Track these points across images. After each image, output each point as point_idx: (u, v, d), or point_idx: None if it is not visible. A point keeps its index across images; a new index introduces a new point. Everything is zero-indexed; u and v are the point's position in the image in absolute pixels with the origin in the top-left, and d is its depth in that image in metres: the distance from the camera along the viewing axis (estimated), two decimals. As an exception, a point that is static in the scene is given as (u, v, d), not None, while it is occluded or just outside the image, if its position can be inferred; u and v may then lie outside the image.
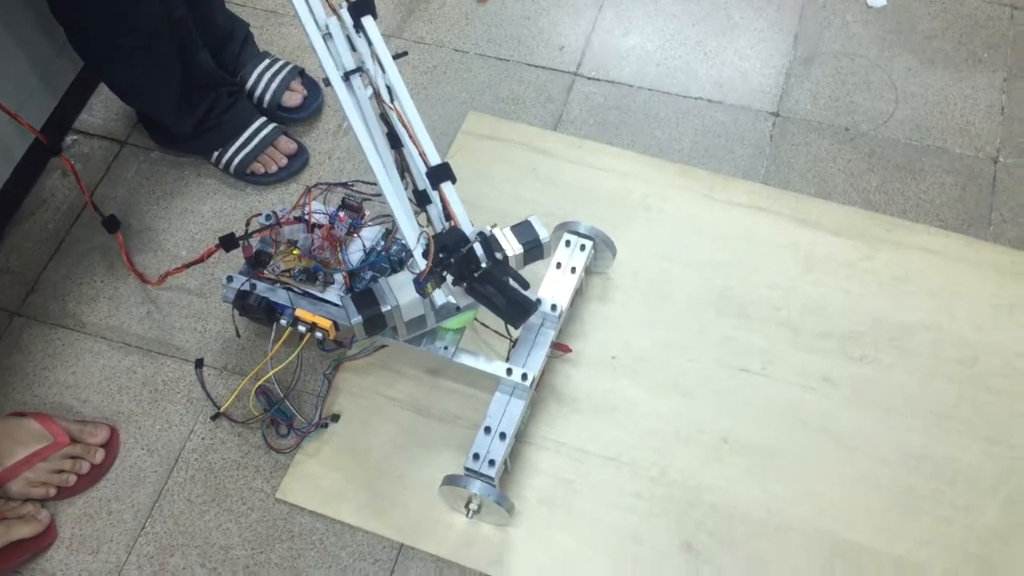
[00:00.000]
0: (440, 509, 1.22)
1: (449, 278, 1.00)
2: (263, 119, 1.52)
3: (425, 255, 0.98)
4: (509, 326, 1.17)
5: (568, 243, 1.30)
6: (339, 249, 1.21)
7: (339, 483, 1.25)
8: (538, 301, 1.15)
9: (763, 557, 1.17)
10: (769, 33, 1.63)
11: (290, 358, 1.25)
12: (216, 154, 1.51)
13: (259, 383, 1.26)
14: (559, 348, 1.28)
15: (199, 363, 1.31)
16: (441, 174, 1.01)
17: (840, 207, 1.44)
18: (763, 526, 1.19)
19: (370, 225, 1.24)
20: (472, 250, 0.99)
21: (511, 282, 0.99)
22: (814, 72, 1.59)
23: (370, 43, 1.05)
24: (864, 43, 1.61)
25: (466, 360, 1.17)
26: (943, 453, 1.23)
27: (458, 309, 1.09)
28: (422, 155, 1.02)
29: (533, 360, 1.19)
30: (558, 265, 1.28)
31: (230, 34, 1.54)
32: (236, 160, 1.50)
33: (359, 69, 1.05)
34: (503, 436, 1.15)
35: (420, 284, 1.00)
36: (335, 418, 1.28)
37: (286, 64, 1.58)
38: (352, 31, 1.06)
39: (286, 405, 1.26)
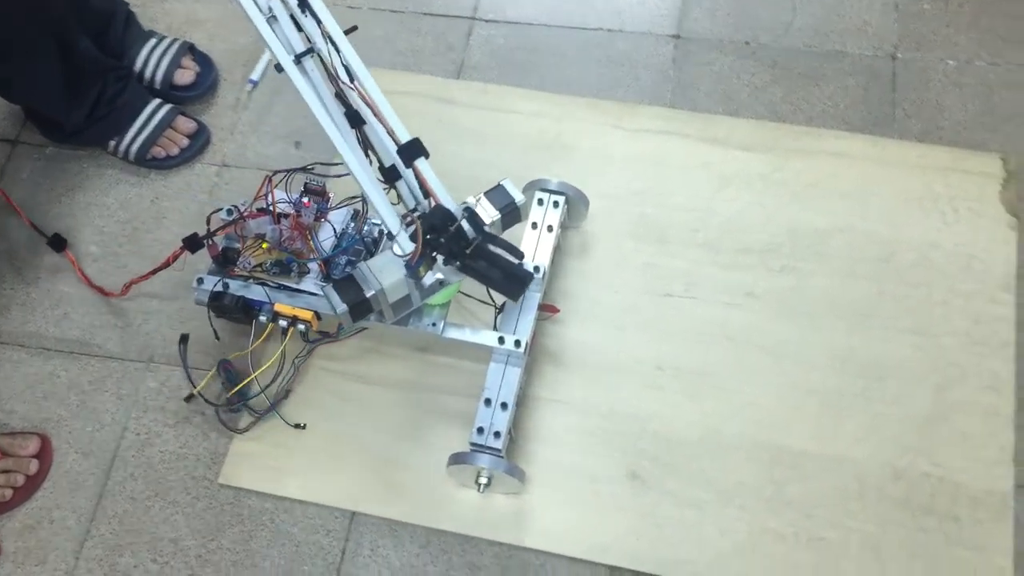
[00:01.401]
0: (433, 482, 1.22)
1: (440, 258, 0.99)
2: (157, 101, 1.47)
3: (413, 237, 0.96)
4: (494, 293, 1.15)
5: (541, 201, 1.27)
6: (310, 237, 1.18)
7: (282, 460, 1.24)
8: (536, 270, 1.14)
9: (706, 475, 1.19)
10: (661, -46, 1.62)
11: (275, 355, 1.19)
12: (113, 143, 1.46)
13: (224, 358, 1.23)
14: (546, 309, 1.26)
15: (184, 338, 1.25)
16: (413, 150, 1.00)
17: (748, 122, 1.45)
18: (704, 445, 1.21)
19: (337, 208, 1.21)
20: (460, 227, 0.97)
21: (502, 253, 0.99)
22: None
23: (319, 22, 1.01)
24: (756, -46, 1.60)
25: (456, 334, 1.15)
26: (870, 351, 1.26)
27: (442, 284, 1.07)
28: (390, 133, 1.00)
29: (523, 325, 1.17)
30: (534, 225, 1.25)
31: (110, 17, 1.48)
32: (135, 146, 1.45)
33: (310, 50, 1.01)
34: (504, 406, 1.13)
35: (412, 268, 0.99)
36: (301, 426, 1.25)
37: (174, 41, 1.53)
38: (297, 11, 1.01)
39: (247, 386, 1.22)
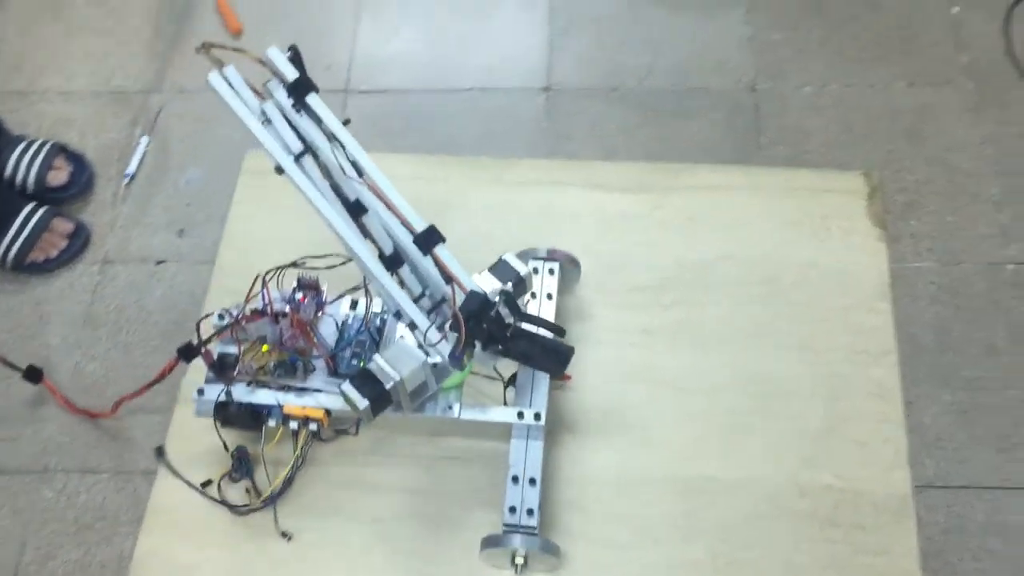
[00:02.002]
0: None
1: (478, 344, 0.98)
2: (32, 205, 1.45)
3: (454, 328, 0.95)
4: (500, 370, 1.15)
5: (536, 270, 1.28)
6: (312, 333, 1.15)
7: (189, 554, 1.21)
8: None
9: (624, 514, 1.20)
10: (525, 12, 1.67)
11: (295, 456, 1.17)
12: (-12, 252, 1.43)
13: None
14: (559, 378, 1.25)
15: (159, 451, 1.23)
16: (431, 238, 0.99)
17: (624, 164, 1.49)
18: (617, 485, 1.22)
19: (336, 300, 1.20)
20: (499, 311, 0.97)
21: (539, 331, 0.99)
22: (573, 41, 1.63)
23: (320, 121, 1.00)
24: (614, 3, 1.66)
25: (474, 415, 1.14)
26: (763, 370, 1.30)
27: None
28: (405, 224, 0.99)
29: (538, 398, 1.16)
30: (533, 295, 1.24)
31: (-25, 124, 1.46)
32: (11, 253, 1.42)
33: (307, 150, 1.00)
34: (532, 482, 1.12)
35: (457, 358, 0.98)
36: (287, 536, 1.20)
37: (45, 143, 1.51)
38: (290, 111, 1.00)
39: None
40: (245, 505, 1.20)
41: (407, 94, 1.60)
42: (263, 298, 1.16)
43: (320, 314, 1.18)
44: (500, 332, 0.98)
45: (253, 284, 1.17)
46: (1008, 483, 1.20)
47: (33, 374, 1.30)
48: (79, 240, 1.46)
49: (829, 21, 1.61)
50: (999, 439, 1.23)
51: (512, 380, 1.19)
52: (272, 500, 1.19)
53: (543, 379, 1.17)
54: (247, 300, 1.16)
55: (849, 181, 1.44)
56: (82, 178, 1.51)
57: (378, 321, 1.18)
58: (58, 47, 1.69)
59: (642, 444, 1.25)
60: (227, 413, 1.14)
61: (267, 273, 1.18)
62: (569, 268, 1.31)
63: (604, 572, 1.17)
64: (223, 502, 1.20)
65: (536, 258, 1.29)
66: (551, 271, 1.28)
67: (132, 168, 1.54)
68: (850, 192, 1.43)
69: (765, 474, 1.22)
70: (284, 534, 1.19)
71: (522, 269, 1.07)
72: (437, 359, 1.01)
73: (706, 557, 1.17)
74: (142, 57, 1.67)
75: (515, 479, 1.13)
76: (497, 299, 1.00)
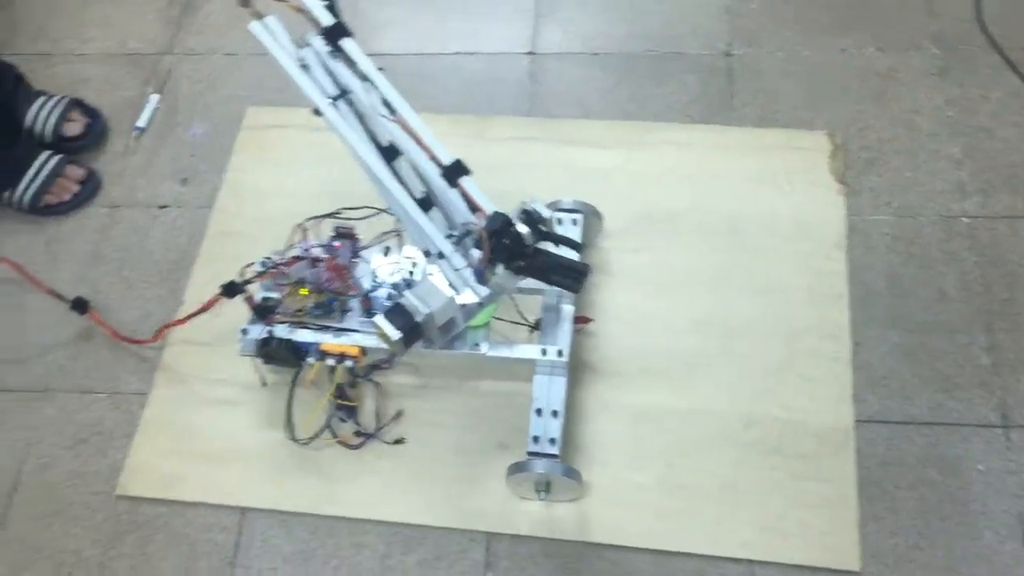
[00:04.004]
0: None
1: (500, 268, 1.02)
2: (47, 152, 1.56)
3: (477, 245, 1.00)
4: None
5: (560, 221, 1.34)
6: (348, 276, 1.23)
7: (172, 466, 1.30)
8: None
9: (571, 438, 1.27)
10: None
11: (330, 391, 1.25)
12: (7, 195, 1.54)
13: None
14: (580, 321, 1.30)
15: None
16: (457, 171, 1.02)
17: (600, 122, 1.57)
18: (569, 412, 1.29)
19: (370, 246, 1.27)
20: (519, 231, 1.00)
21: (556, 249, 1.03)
22: (559, 9, 1.71)
23: (353, 63, 1.06)
24: (599, -25, 1.74)
25: (501, 352, 1.20)
26: (724, 313, 1.36)
27: (480, 305, 1.09)
28: (433, 158, 1.03)
29: (560, 336, 1.22)
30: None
31: (-1, 79, 1.58)
32: (28, 195, 1.53)
33: (344, 93, 1.06)
34: (555, 414, 1.19)
35: (481, 273, 1.02)
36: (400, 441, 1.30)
37: (62, 98, 1.63)
38: (326, 57, 1.06)
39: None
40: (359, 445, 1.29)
41: (396, 57, 1.69)
42: (302, 244, 1.25)
43: (355, 260, 1.26)
44: (520, 250, 1.01)
45: (293, 232, 1.26)
46: (948, 420, 1.25)
47: (80, 305, 1.40)
48: (90, 186, 1.57)
49: (805, -10, 1.68)
50: (942, 379, 1.28)
51: (537, 324, 1.26)
52: (374, 435, 1.29)
53: (566, 320, 1.23)
54: (288, 248, 1.25)
55: (813, 139, 1.50)
56: (96, 129, 1.63)
57: (411, 265, 1.25)
58: (78, 14, 1.82)
59: (596, 375, 1.32)
60: (269, 350, 1.22)
61: (304, 222, 1.28)
62: (593, 220, 1.37)
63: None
64: (339, 442, 1.29)
65: (561, 209, 1.35)
66: (574, 221, 1.34)
67: (142, 122, 1.65)
68: (814, 149, 1.49)
69: (718, 407, 1.28)
70: (398, 440, 1.29)
71: (546, 212, 1.08)
72: (465, 295, 1.05)
73: (651, 481, 1.24)
74: (156, 23, 1.79)
75: (539, 411, 1.19)
76: (518, 219, 1.02)
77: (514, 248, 1.00)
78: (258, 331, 1.23)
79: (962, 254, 1.38)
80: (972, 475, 1.21)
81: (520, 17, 1.71)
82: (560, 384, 1.21)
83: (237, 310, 1.27)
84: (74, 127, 1.61)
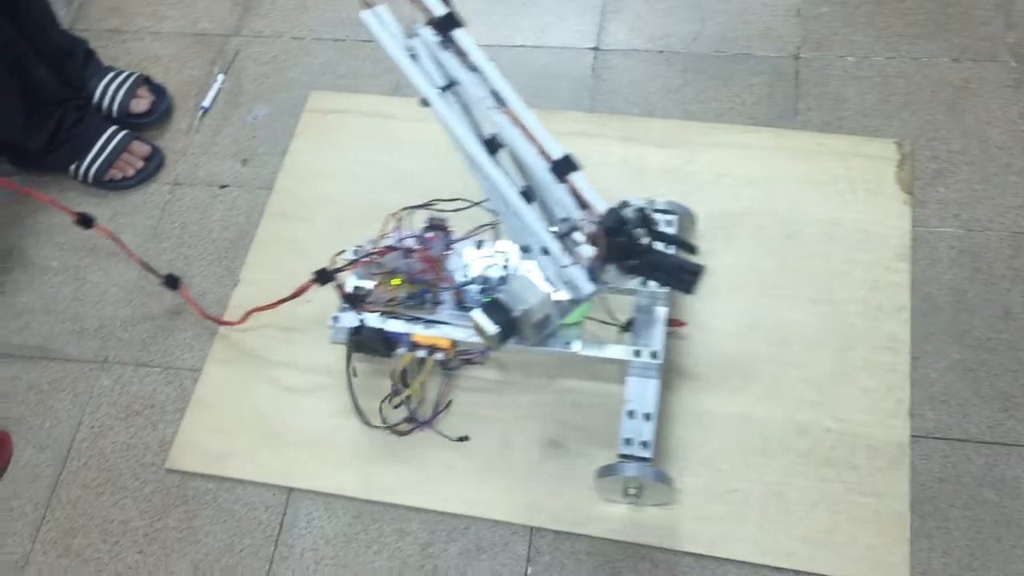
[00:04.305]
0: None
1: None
2: (114, 127, 1.59)
3: (593, 243, 0.98)
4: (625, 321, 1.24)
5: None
6: (440, 268, 1.23)
7: (222, 443, 1.32)
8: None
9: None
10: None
11: (419, 378, 1.26)
12: (73, 167, 1.57)
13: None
14: (673, 323, 1.29)
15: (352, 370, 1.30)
16: (567, 165, 1.01)
17: (662, 121, 1.55)
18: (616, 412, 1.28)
19: (463, 239, 1.27)
20: (633, 229, 0.99)
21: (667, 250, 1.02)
22: (627, 6, 1.70)
23: (465, 53, 1.04)
24: (669, -27, 1.73)
25: (593, 352, 1.19)
26: (774, 318, 1.34)
27: (575, 303, 1.09)
28: (543, 152, 1.01)
29: (654, 338, 1.21)
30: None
31: (70, 53, 1.61)
32: (93, 169, 1.56)
33: (451, 84, 1.04)
34: (648, 417, 1.17)
35: (593, 271, 1.00)
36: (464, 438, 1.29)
37: (132, 74, 1.65)
38: (435, 47, 1.04)
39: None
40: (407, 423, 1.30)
41: (463, 48, 1.69)
42: (396, 234, 1.24)
43: (447, 252, 1.25)
44: (634, 249, 0.99)
45: (386, 221, 1.26)
46: (1007, 440, 1.22)
47: (172, 281, 1.39)
48: (154, 162, 1.60)
49: (879, -4, 1.64)
50: (1003, 398, 1.25)
51: (628, 325, 1.25)
52: (428, 422, 1.29)
53: (660, 322, 1.22)
54: (381, 237, 1.25)
55: (881, 147, 1.47)
56: (161, 107, 1.65)
57: (503, 260, 1.24)
58: (152, -7, 1.85)
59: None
60: (361, 339, 1.22)
61: (398, 212, 1.28)
62: (687, 222, 1.35)
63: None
64: (386, 426, 1.29)
65: (655, 210, 1.32)
66: (668, 223, 1.32)
67: (207, 102, 1.67)
68: (881, 158, 1.46)
69: (764, 413, 1.26)
70: (462, 438, 1.28)
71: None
72: (562, 293, 1.05)
73: (699, 485, 1.22)
74: (226, 4, 1.81)
75: (631, 414, 1.18)
76: (632, 216, 1.00)
77: (628, 247, 0.99)
78: (349, 319, 1.22)
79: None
80: (1030, 497, 1.18)
81: (587, 12, 1.70)
82: (653, 387, 1.19)
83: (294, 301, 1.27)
84: (141, 104, 1.64)
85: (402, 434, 1.29)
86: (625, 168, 1.50)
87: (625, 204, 0.99)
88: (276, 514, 1.27)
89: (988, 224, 1.39)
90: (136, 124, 1.63)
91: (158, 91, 1.67)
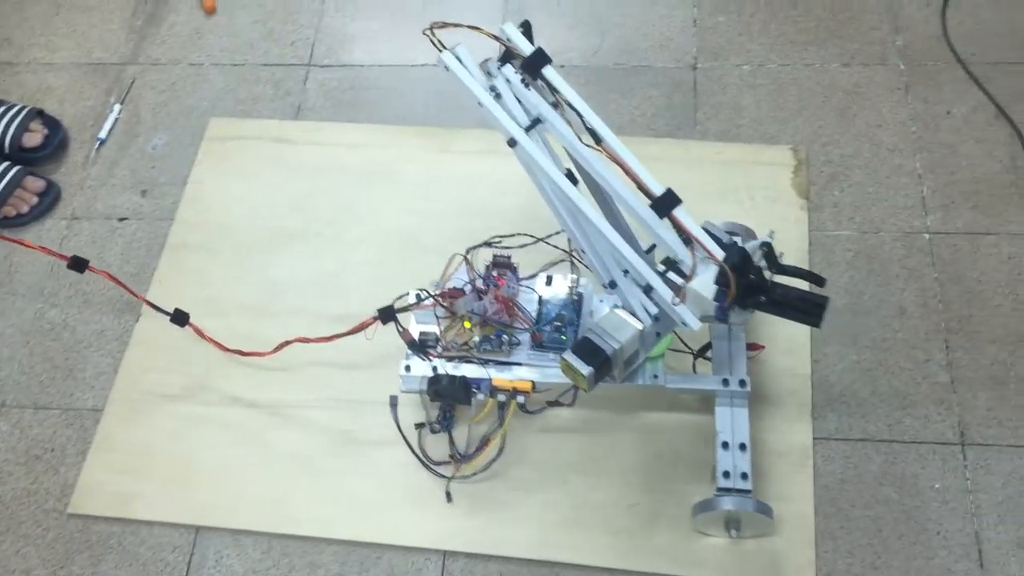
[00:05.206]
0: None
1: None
2: (6, 163, 1.55)
3: (720, 282, 0.96)
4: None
5: None
6: (516, 309, 1.20)
7: (127, 484, 1.29)
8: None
9: (534, 459, 1.26)
10: (482, -6, 1.75)
11: (502, 428, 1.19)
12: (-36, 206, 1.53)
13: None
14: (752, 348, 1.27)
15: (393, 401, 1.25)
16: (669, 201, 0.99)
17: (563, 136, 1.56)
18: (536, 434, 1.28)
19: (532, 277, 1.24)
20: (757, 264, 0.98)
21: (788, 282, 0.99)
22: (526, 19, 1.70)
23: (556, 91, 1.03)
24: (568, -13, 1.74)
25: (681, 383, 1.18)
26: (680, 330, 1.35)
27: (658, 335, 1.08)
28: (642, 188, 0.99)
29: (738, 365, 1.19)
30: None
31: (-44, 88, 1.56)
32: (-15, 208, 1.52)
33: (537, 122, 1.03)
34: (743, 447, 1.15)
35: (724, 313, 0.98)
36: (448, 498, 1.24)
37: (23, 108, 1.61)
38: (518, 85, 1.03)
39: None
40: (443, 464, 1.25)
41: (365, 69, 1.68)
42: (464, 276, 1.21)
43: (517, 289, 1.22)
44: (762, 286, 0.97)
45: (449, 264, 1.23)
46: (904, 437, 1.25)
47: (180, 317, 1.31)
48: (48, 197, 1.56)
49: (772, 5, 1.67)
50: (900, 397, 1.28)
51: (702, 351, 1.23)
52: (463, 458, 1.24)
53: (740, 348, 1.20)
54: (445, 279, 1.22)
55: (777, 154, 1.50)
56: (56, 140, 1.61)
57: (574, 296, 1.22)
58: (45, 23, 1.80)
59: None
60: (439, 387, 1.17)
61: (466, 252, 1.26)
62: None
63: (521, 509, 1.23)
64: (426, 460, 1.25)
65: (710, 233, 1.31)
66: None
67: (104, 133, 1.64)
68: (777, 164, 1.49)
69: (672, 423, 1.28)
70: (448, 494, 1.24)
71: (726, 237, 1.03)
72: (644, 325, 1.04)
73: (613, 497, 1.23)
74: (121, 32, 1.77)
75: (725, 445, 1.16)
76: (755, 252, 1.00)
77: (756, 284, 0.98)
78: (422, 368, 1.19)
79: (922, 270, 1.38)
80: (929, 494, 1.21)
81: (486, 25, 1.70)
82: (742, 415, 1.18)
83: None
84: (34, 138, 1.60)
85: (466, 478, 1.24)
86: (529, 183, 1.50)
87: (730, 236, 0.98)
88: (184, 554, 1.24)
89: (881, 225, 1.42)
90: (29, 159, 1.59)
91: (52, 124, 1.63)
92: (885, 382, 1.29)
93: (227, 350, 1.30)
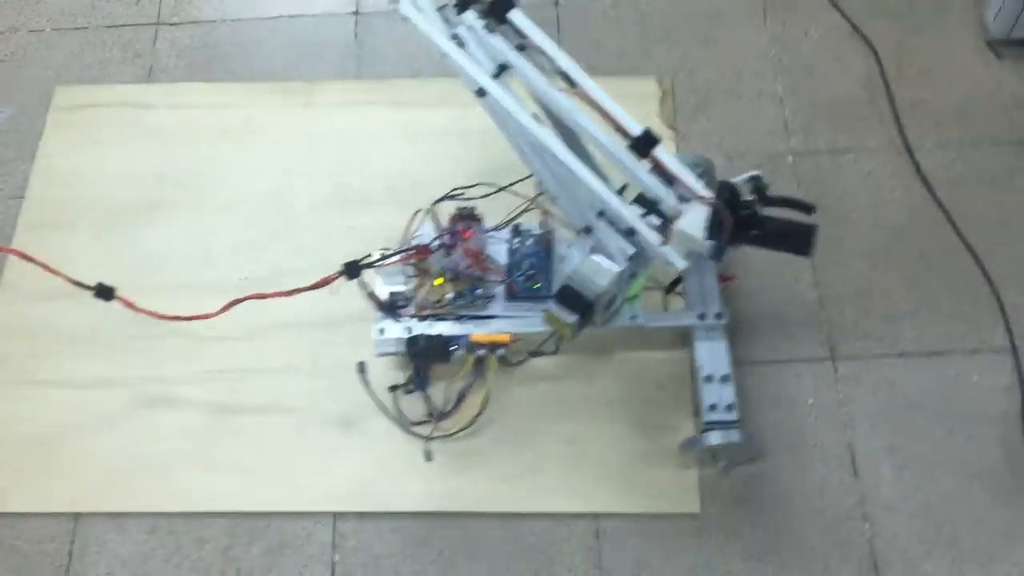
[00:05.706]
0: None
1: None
2: None
3: (714, 221, 0.93)
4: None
5: None
6: (487, 261, 1.16)
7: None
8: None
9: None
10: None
11: (489, 378, 1.16)
12: None
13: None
14: (724, 279, 1.25)
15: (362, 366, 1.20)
16: (649, 141, 0.96)
17: (428, 81, 1.53)
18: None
19: (500, 228, 1.21)
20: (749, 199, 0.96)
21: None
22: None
23: (524, 35, 0.98)
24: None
25: (658, 321, 1.18)
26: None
27: (633, 275, 1.07)
28: (620, 129, 0.97)
29: (712, 299, 1.19)
30: None
31: None
32: None
33: (504, 68, 0.98)
34: (725, 379, 1.15)
35: (721, 252, 0.96)
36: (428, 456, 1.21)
37: None
38: (481, 32, 0.98)
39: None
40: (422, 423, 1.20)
41: (217, 24, 1.61)
42: (433, 231, 1.18)
43: (486, 241, 1.19)
44: (754, 220, 0.97)
45: (412, 219, 1.20)
46: (780, 357, 1.29)
47: (105, 291, 1.20)
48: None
49: (631, -64, 1.66)
50: (774, 319, 1.31)
51: (672, 286, 1.23)
52: (443, 416, 1.19)
53: (710, 281, 1.20)
54: (411, 237, 1.18)
55: (641, 86, 1.50)
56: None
57: (544, 243, 1.20)
58: None
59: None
60: (417, 347, 1.14)
61: (429, 208, 1.21)
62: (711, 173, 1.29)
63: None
64: (402, 419, 1.20)
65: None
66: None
67: (-57, 112, 1.54)
68: (642, 96, 1.49)
69: (645, 359, 1.28)
70: (428, 454, 1.20)
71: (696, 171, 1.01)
72: (623, 267, 1.02)
73: (499, 444, 1.23)
74: (-51, 0, 1.66)
75: (708, 378, 1.16)
76: (744, 186, 0.97)
77: (749, 219, 0.96)
78: (396, 329, 1.15)
79: (790, 189, 1.40)
80: (804, 409, 1.25)
81: (342, -26, 1.65)
82: (721, 348, 1.18)
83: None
84: None
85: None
86: (398, 133, 1.48)
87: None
88: (64, 543, 1.20)
89: (747, 151, 1.44)
90: None
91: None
92: (759, 306, 1.32)
93: (165, 318, 1.18)
